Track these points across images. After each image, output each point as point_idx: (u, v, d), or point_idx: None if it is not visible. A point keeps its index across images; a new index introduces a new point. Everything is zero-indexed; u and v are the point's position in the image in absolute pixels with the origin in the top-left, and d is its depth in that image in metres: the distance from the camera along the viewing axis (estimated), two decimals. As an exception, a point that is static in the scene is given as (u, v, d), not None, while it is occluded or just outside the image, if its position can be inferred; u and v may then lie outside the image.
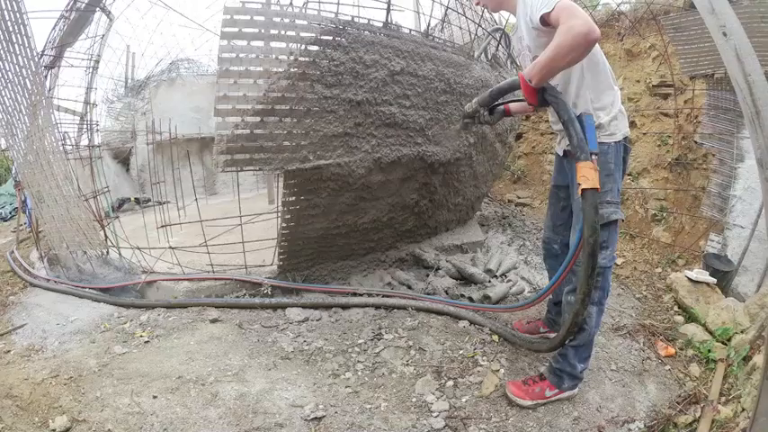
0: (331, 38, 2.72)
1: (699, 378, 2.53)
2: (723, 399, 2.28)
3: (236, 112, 2.63)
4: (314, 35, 2.69)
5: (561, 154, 2.37)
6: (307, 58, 2.66)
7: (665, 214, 4.92)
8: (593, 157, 1.79)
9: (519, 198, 6.38)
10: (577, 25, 1.66)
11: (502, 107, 2.29)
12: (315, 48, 2.68)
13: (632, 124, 5.50)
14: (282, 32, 2.68)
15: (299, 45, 2.67)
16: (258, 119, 2.63)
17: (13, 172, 7.18)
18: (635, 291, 3.95)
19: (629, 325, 3.12)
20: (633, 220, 5.06)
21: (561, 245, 2.50)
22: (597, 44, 1.88)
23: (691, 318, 3.15)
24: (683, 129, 5.15)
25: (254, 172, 3.20)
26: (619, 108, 2.06)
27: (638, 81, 5.66)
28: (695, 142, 4.90)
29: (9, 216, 9.27)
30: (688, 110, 5.09)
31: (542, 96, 1.91)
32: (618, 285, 3.96)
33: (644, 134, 5.39)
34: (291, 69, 2.63)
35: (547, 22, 1.82)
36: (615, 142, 2.04)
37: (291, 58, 2.64)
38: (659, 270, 4.35)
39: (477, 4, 2.36)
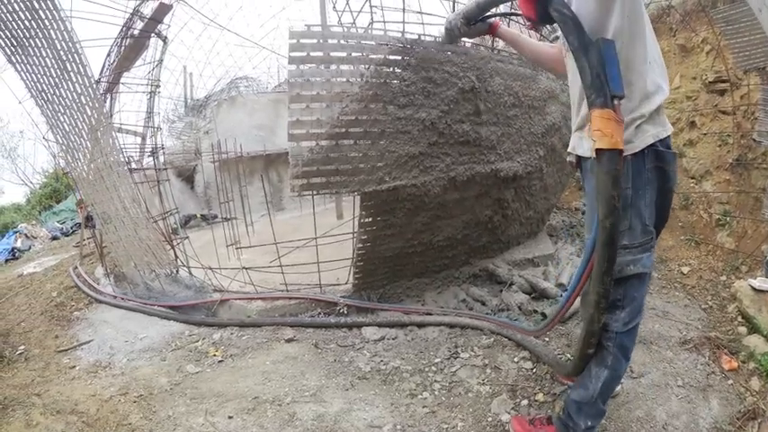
0: (400, 57, 2.71)
1: (759, 392, 2.40)
2: (779, 413, 2.21)
3: (309, 137, 2.65)
4: (383, 56, 2.68)
5: (573, 159, 1.74)
6: (378, 80, 2.66)
7: (728, 218, 4.74)
8: (616, 102, 1.29)
9: (585, 206, 6.13)
10: None
11: (488, 22, 1.90)
12: (385, 68, 2.67)
13: (692, 124, 5.32)
14: (351, 54, 2.69)
15: (368, 66, 2.66)
16: (333, 142, 2.64)
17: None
18: (701, 301, 3.82)
19: (696, 338, 3.02)
20: (698, 225, 4.89)
21: None
22: (647, 19, 1.48)
23: (753, 328, 3.03)
24: (741, 126, 4.94)
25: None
26: (654, 109, 1.49)
27: (695, 78, 5.46)
28: (753, 140, 4.70)
29: (70, 231, 9.72)
30: (745, 106, 4.89)
31: (543, 8, 1.39)
32: (684, 296, 3.85)
33: (704, 134, 5.20)
34: (363, 91, 2.63)
35: None
36: (633, 155, 1.47)
37: (362, 80, 2.64)
38: (724, 278, 4.19)
39: None
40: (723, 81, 5.16)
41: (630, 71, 1.44)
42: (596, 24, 1.43)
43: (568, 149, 1.72)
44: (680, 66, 5.65)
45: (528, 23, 1.54)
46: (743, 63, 4.71)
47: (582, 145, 1.61)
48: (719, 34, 4.96)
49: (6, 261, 8.16)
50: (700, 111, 5.30)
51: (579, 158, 1.67)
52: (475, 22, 1.89)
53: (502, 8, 1.98)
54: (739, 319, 3.25)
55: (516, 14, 1.77)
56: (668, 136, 1.54)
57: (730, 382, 2.50)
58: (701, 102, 5.34)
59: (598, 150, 1.29)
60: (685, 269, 4.34)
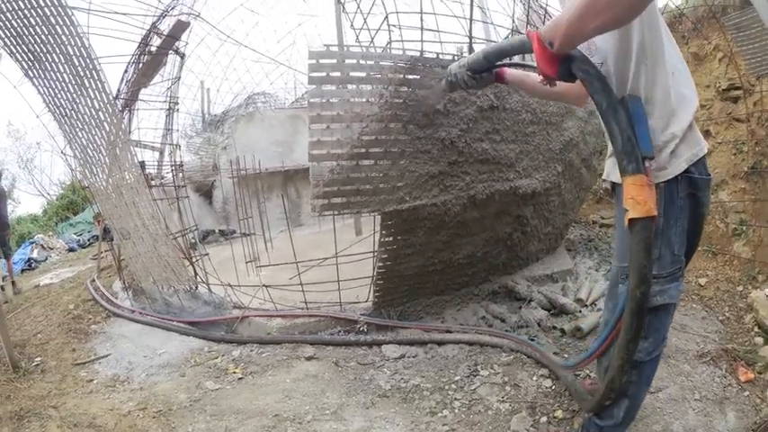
0: (419, 77, 2.73)
1: (774, 403, 2.43)
2: (794, 425, 2.20)
3: (330, 157, 2.67)
4: (402, 75, 2.70)
5: (609, 186, 1.69)
6: (398, 99, 2.68)
7: (744, 227, 4.70)
8: (648, 164, 1.28)
9: (603, 219, 6.16)
10: None
11: (494, 71, 1.81)
12: (404, 88, 2.69)
13: (707, 133, 5.29)
14: (370, 74, 2.71)
15: (388, 86, 2.68)
16: (353, 162, 2.66)
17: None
18: (718, 313, 3.81)
19: (713, 351, 3.02)
20: (714, 235, 4.85)
21: None
22: (663, 24, 1.41)
23: (770, 339, 3.01)
24: (755, 134, 4.91)
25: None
26: (686, 126, 1.43)
27: (708, 86, 5.43)
28: (768, 147, 4.68)
29: (87, 243, 9.86)
30: (758, 113, 4.86)
31: (566, 68, 1.34)
32: (702, 308, 3.84)
33: (719, 143, 5.17)
34: (383, 111, 2.65)
35: None
36: (665, 182, 1.42)
37: (382, 99, 2.66)
38: (741, 288, 4.16)
39: None
40: (736, 88, 5.13)
41: (654, 86, 1.40)
42: (622, 44, 1.40)
43: (603, 176, 1.69)
44: (693, 74, 5.50)
45: (542, 79, 1.44)
46: (755, 69, 4.70)
47: (616, 172, 1.53)
48: (731, 41, 4.95)
49: (22, 271, 8.25)
50: (714, 119, 5.26)
51: (614, 184, 1.62)
52: (481, 74, 1.79)
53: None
54: (756, 329, 3.23)
55: (529, 65, 1.63)
56: (703, 157, 1.47)
57: (746, 393, 2.50)
58: (715, 110, 5.31)
59: (631, 220, 1.27)
60: (702, 280, 4.31)
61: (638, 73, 1.40)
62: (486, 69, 1.76)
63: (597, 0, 1.15)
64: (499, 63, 1.71)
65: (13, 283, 6.22)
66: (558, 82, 1.43)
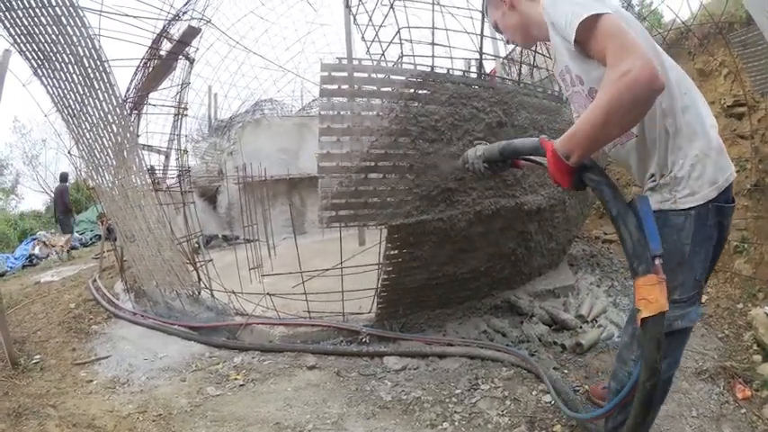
0: (429, 92, 2.76)
1: (771, 421, 2.45)
2: (789, 443, 2.23)
3: (339, 169, 2.69)
4: (412, 90, 2.73)
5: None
6: (407, 114, 2.70)
7: (746, 245, 4.72)
8: (657, 261, 1.29)
9: (605, 234, 6.21)
10: (636, 69, 1.15)
11: (509, 162, 1.90)
12: (415, 103, 2.72)
13: (711, 151, 5.30)
14: (380, 88, 2.73)
15: (398, 101, 2.70)
16: (362, 176, 2.69)
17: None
18: (717, 330, 3.83)
19: (711, 368, 3.04)
20: (716, 253, 4.89)
21: None
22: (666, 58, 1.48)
23: (768, 356, 3.03)
24: (759, 151, 4.93)
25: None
26: (713, 148, 1.47)
27: (713, 102, 5.45)
28: (771, 164, 4.70)
29: (89, 242, 9.88)
30: (762, 130, 4.88)
31: (579, 178, 1.41)
32: (702, 325, 3.85)
33: (723, 161, 5.20)
34: (393, 126, 2.68)
35: (586, 51, 1.35)
36: (696, 211, 1.45)
37: (393, 114, 2.69)
38: (741, 306, 4.18)
39: (508, 42, 1.92)
40: (741, 105, 5.15)
41: (675, 118, 1.44)
42: None
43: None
44: (699, 90, 5.65)
45: (553, 182, 1.53)
46: (761, 86, 4.72)
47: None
48: (737, 57, 4.98)
49: (23, 267, 8.27)
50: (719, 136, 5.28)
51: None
52: (496, 163, 1.88)
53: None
54: (755, 347, 3.25)
55: (540, 164, 1.69)
56: (730, 184, 1.49)
57: (743, 411, 2.52)
58: (719, 127, 5.32)
59: (643, 319, 1.29)
60: (703, 298, 4.33)
61: (662, 118, 1.45)
62: (501, 161, 1.84)
63: (619, 106, 1.18)
64: (512, 159, 1.80)
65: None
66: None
